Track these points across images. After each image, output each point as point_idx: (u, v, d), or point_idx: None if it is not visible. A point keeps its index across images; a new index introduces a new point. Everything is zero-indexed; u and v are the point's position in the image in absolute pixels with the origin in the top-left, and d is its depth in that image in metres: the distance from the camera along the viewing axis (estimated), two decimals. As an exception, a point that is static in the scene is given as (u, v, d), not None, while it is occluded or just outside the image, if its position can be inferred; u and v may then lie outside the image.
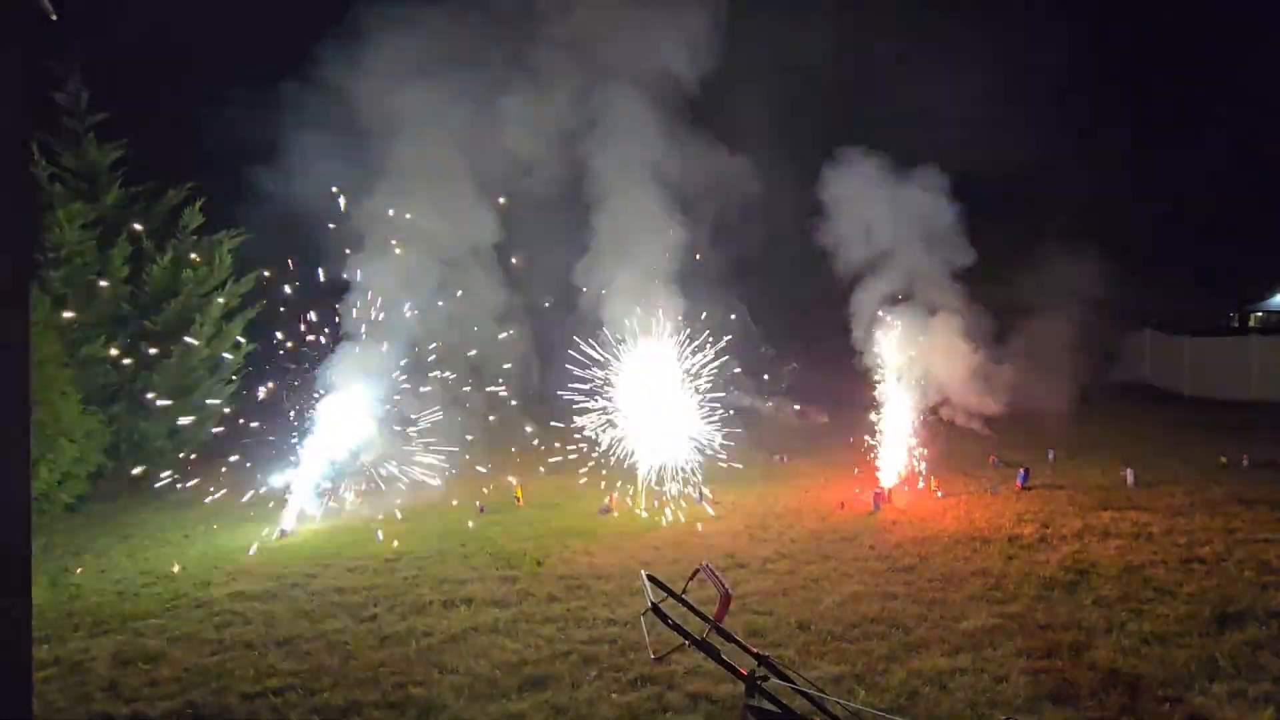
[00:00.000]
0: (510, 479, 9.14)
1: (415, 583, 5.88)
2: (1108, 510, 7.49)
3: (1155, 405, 15.50)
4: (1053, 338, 11.21)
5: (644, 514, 7.92)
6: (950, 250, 9.00)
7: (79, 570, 6.34)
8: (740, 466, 9.60)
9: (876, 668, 4.25)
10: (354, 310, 8.34)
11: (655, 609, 2.46)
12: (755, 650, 2.59)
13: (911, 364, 8.81)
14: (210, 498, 8.56)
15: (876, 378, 8.97)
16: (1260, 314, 34.86)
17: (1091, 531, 6.80)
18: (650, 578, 2.64)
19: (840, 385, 10.03)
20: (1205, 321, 24.16)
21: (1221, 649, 4.37)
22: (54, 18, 1.58)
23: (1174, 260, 19.78)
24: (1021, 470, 8.76)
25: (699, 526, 7.46)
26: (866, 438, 9.07)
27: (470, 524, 7.62)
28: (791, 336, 14.78)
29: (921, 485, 8.65)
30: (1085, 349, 11.96)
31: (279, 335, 9.20)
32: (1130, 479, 8.55)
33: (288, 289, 9.27)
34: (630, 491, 8.41)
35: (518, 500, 8.44)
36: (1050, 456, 10.08)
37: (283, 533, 7.38)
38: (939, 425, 9.04)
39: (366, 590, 5.74)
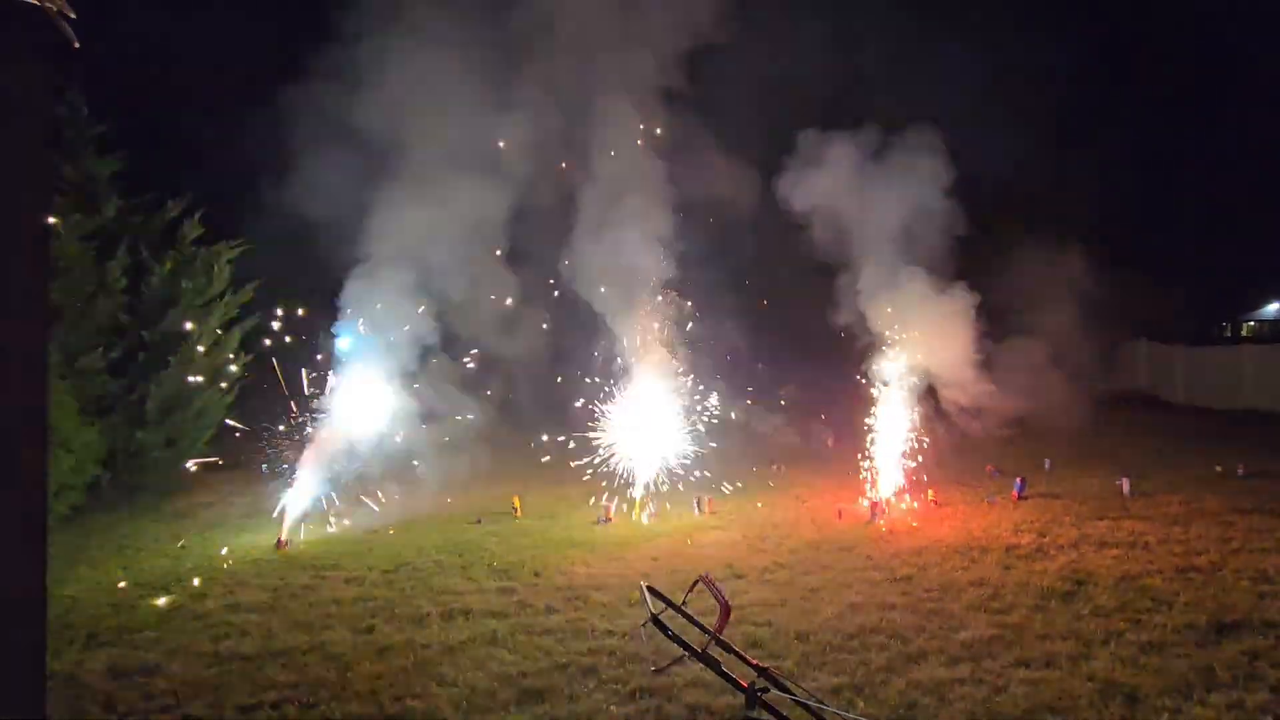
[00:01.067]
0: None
1: (413, 594, 5.87)
2: (1104, 519, 7.51)
3: (1150, 414, 15.56)
4: (1048, 346, 11.27)
5: (644, 520, 7.93)
6: (941, 225, 8.62)
7: (77, 581, 6.31)
8: (740, 483, 9.62)
9: (875, 678, 4.25)
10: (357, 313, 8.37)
11: (655, 620, 2.47)
12: (755, 661, 2.60)
13: (907, 338, 8.52)
14: (208, 508, 8.53)
15: (869, 367, 8.79)
16: (1253, 323, 35.18)
17: (1088, 541, 6.82)
18: (650, 589, 2.65)
19: (842, 400, 9.93)
20: (1199, 331, 24.31)
21: (1219, 659, 4.39)
22: (76, 45, 1.62)
23: (1167, 270, 19.91)
24: (1018, 479, 8.78)
25: (693, 538, 7.45)
26: (863, 449, 9.08)
27: (466, 531, 7.62)
28: (791, 351, 14.73)
29: (913, 496, 8.65)
30: (1081, 358, 12.02)
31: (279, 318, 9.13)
32: (1126, 488, 8.58)
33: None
34: (628, 500, 8.41)
35: (515, 511, 8.43)
36: (1046, 465, 10.11)
37: (281, 543, 7.35)
38: (935, 420, 8.92)
39: (364, 602, 5.72)
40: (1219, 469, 9.65)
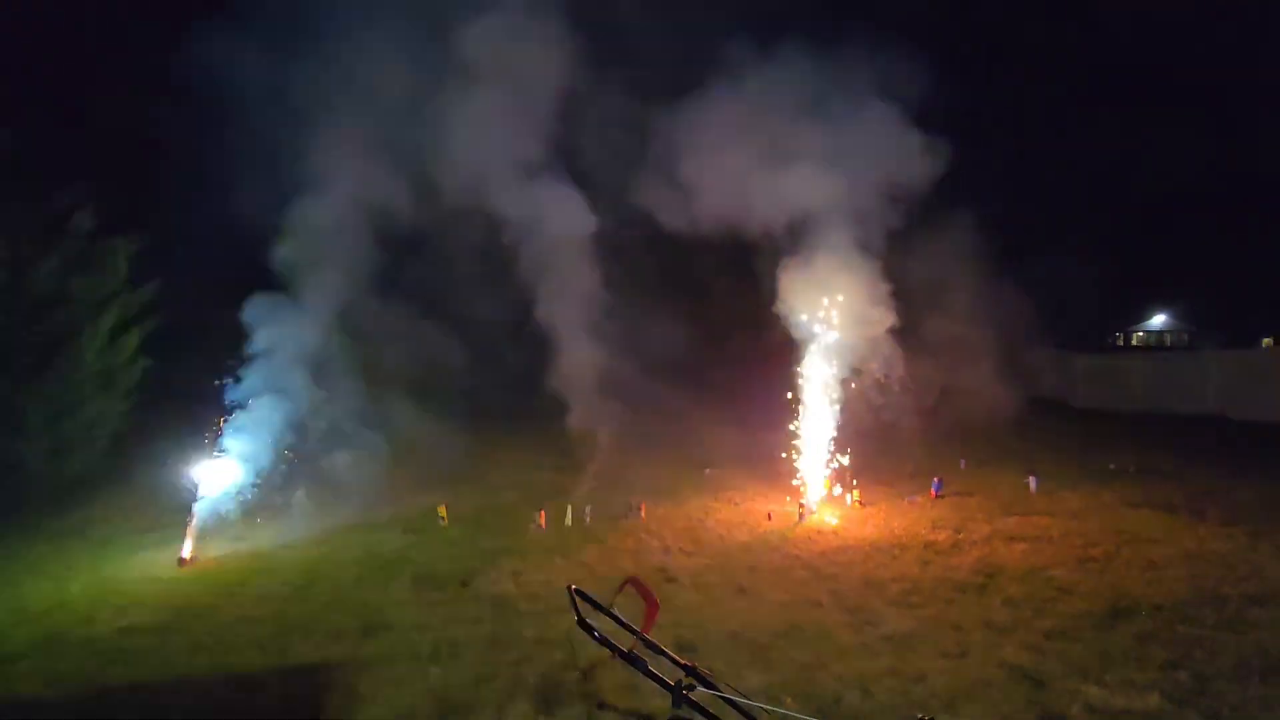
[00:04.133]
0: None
1: (331, 609, 5.57)
2: (1013, 515, 7.94)
3: (1054, 417, 16.64)
4: (961, 354, 11.85)
5: (573, 522, 7.82)
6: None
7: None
8: (673, 487, 9.63)
9: (803, 675, 4.32)
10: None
11: (582, 623, 2.41)
12: (683, 660, 2.57)
13: (824, 313, 8.53)
14: (99, 524, 7.84)
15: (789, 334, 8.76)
16: (1141, 334, 38.46)
17: (999, 536, 7.19)
18: (577, 591, 2.58)
19: (774, 405, 10.02)
20: (1093, 340, 26.25)
21: (1114, 642, 4.70)
22: None
23: (1064, 282, 21.36)
24: (936, 479, 9.18)
25: (625, 542, 7.40)
26: (788, 450, 9.27)
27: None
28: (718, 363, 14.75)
29: (839, 494, 8.91)
30: (993, 365, 12.70)
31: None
32: (1033, 485, 9.12)
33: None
34: (560, 507, 8.29)
35: (441, 519, 8.15)
36: (961, 465, 10.64)
37: (184, 560, 6.83)
38: (856, 400, 9.05)
39: (277, 620, 5.37)
40: (1112, 467, 10.41)
